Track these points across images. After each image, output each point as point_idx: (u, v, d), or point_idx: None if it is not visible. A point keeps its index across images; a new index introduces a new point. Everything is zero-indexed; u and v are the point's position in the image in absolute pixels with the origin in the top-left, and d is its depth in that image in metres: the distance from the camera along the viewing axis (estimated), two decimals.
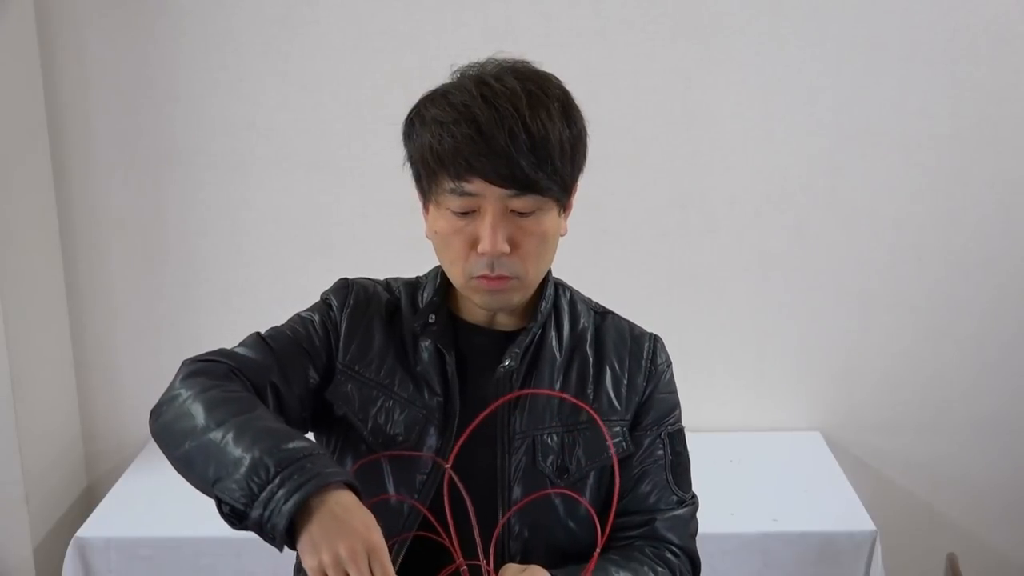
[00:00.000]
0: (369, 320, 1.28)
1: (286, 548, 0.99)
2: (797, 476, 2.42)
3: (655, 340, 1.32)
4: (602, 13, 2.39)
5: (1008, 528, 2.69)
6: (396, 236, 2.29)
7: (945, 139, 2.46)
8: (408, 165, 1.21)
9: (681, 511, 1.27)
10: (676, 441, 1.30)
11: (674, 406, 1.31)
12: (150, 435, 1.17)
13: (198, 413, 1.08)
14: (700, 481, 1.34)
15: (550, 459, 1.23)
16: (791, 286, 2.56)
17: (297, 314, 1.30)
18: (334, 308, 1.29)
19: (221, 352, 1.23)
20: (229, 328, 2.51)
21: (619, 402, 1.27)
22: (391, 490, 1.20)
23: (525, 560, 1.19)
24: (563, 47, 2.38)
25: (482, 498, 1.17)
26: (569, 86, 1.18)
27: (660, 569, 1.23)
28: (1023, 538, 2.70)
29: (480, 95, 1.10)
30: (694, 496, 1.31)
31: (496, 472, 1.21)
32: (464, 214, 1.14)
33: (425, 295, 1.29)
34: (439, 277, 1.28)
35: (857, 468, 2.63)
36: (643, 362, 1.29)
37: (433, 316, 1.25)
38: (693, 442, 1.34)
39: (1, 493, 2.31)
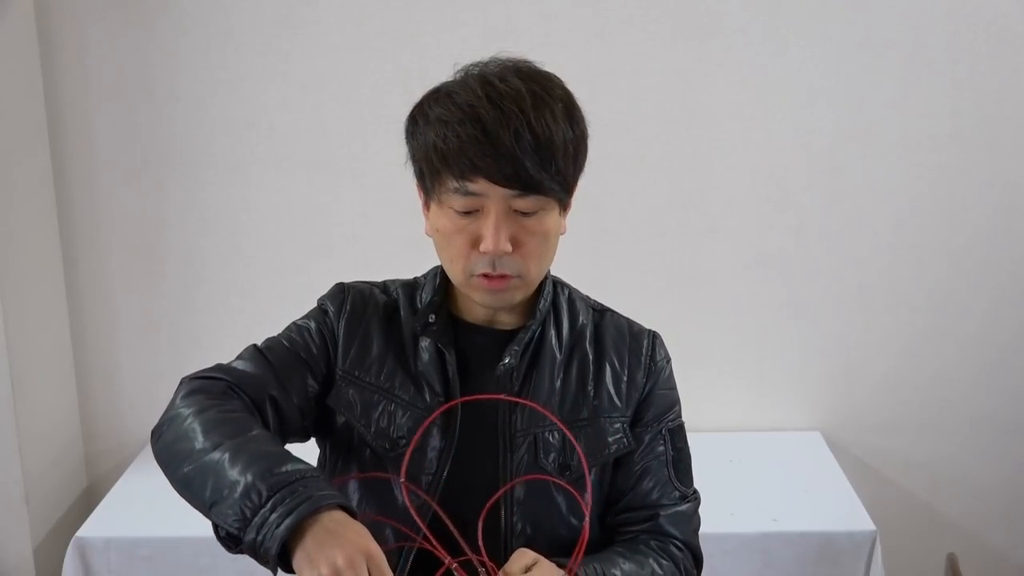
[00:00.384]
0: (367, 324, 1.28)
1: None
2: (797, 476, 2.42)
3: (654, 337, 1.32)
4: (602, 13, 2.39)
5: (1008, 528, 2.69)
6: (396, 236, 2.29)
7: (945, 139, 2.46)
8: (410, 163, 1.21)
9: (684, 506, 1.28)
10: (677, 437, 1.30)
11: (674, 402, 1.31)
12: (150, 437, 1.17)
13: (195, 435, 1.08)
14: (700, 481, 1.34)
15: (552, 456, 1.23)
16: (791, 286, 2.56)
17: (294, 322, 1.30)
18: (330, 314, 1.29)
19: (219, 368, 1.23)
20: (229, 328, 2.57)
21: (619, 399, 1.27)
22: (397, 495, 1.20)
23: None
24: (563, 47, 2.38)
25: (484, 496, 1.17)
26: (569, 86, 1.18)
27: (664, 562, 1.24)
28: (1023, 538, 2.70)
29: (485, 95, 1.11)
30: (696, 491, 1.31)
31: (498, 470, 1.22)
32: (467, 213, 1.14)
33: (424, 295, 1.29)
34: (438, 277, 1.28)
35: (857, 468, 2.63)
36: (643, 358, 1.29)
37: (433, 316, 1.25)
38: (693, 442, 1.34)
39: (1, 493, 2.31)
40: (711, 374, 2.62)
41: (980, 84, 2.42)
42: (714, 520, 1.70)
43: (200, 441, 1.07)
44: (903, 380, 2.62)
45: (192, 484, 1.06)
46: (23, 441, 2.32)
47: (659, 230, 2.52)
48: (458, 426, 1.22)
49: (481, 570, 1.07)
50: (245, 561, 1.04)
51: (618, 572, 1.18)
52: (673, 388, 1.32)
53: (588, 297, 1.35)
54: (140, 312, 2.57)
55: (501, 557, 1.15)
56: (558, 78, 1.18)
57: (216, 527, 1.03)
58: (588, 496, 1.17)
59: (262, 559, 1.00)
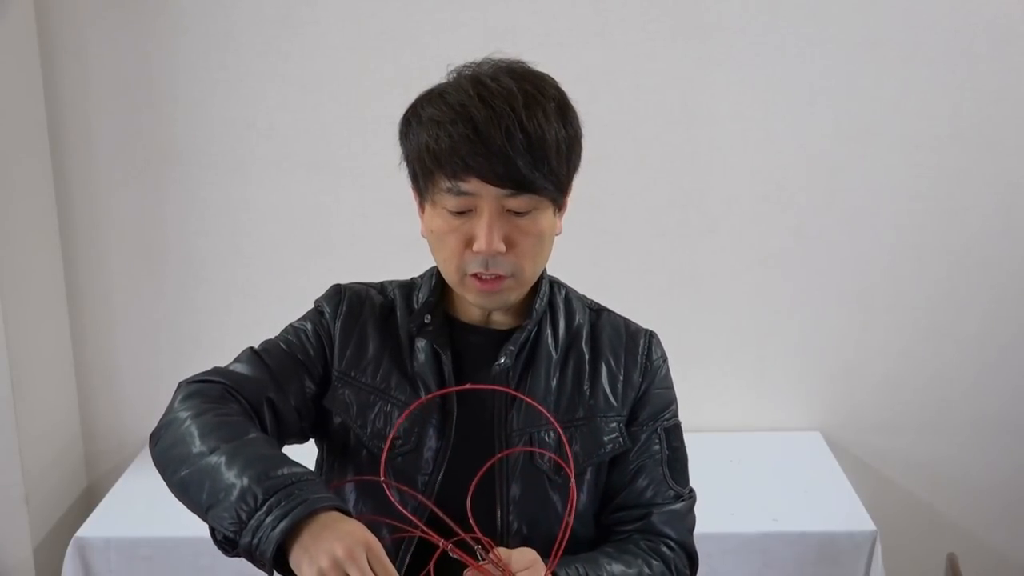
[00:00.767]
0: (363, 325, 1.28)
1: None
2: (797, 476, 2.42)
3: (650, 336, 1.32)
4: (602, 13, 2.39)
5: (1008, 528, 2.69)
6: (396, 236, 2.29)
7: (945, 139, 2.46)
8: (404, 164, 1.21)
9: (677, 505, 1.28)
10: (673, 436, 1.30)
11: (670, 401, 1.31)
12: (149, 441, 1.18)
13: (192, 439, 1.09)
14: (700, 481, 1.34)
15: (547, 456, 1.23)
16: (791, 286, 2.56)
17: (290, 324, 1.30)
18: (327, 315, 1.29)
19: (216, 371, 1.23)
20: (229, 328, 2.57)
21: (615, 398, 1.27)
22: (395, 495, 1.20)
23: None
24: (563, 47, 2.39)
25: (481, 496, 1.17)
26: (569, 86, 1.18)
27: (654, 562, 1.23)
28: (1023, 538, 2.70)
29: (477, 95, 1.11)
30: (691, 491, 1.31)
31: (494, 469, 1.21)
32: (460, 213, 1.14)
33: (420, 296, 1.29)
34: (434, 277, 1.28)
35: (857, 468, 2.63)
36: (639, 358, 1.29)
37: (429, 316, 1.26)
38: (693, 442, 1.34)
39: (1, 493, 2.31)
40: (711, 374, 2.62)
41: (980, 84, 2.42)
42: (714, 520, 1.70)
43: (197, 445, 1.08)
44: (903, 380, 2.62)
45: (189, 488, 1.06)
46: (23, 441, 2.32)
47: (659, 230, 2.52)
48: (454, 427, 1.23)
49: (478, 548, 1.07)
50: (245, 562, 1.04)
51: (603, 574, 1.18)
52: (670, 387, 1.32)
53: (585, 297, 1.35)
54: (140, 312, 2.57)
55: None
56: (552, 78, 1.18)
57: (213, 530, 1.04)
58: (572, 495, 1.17)
59: (258, 562, 1.00)
